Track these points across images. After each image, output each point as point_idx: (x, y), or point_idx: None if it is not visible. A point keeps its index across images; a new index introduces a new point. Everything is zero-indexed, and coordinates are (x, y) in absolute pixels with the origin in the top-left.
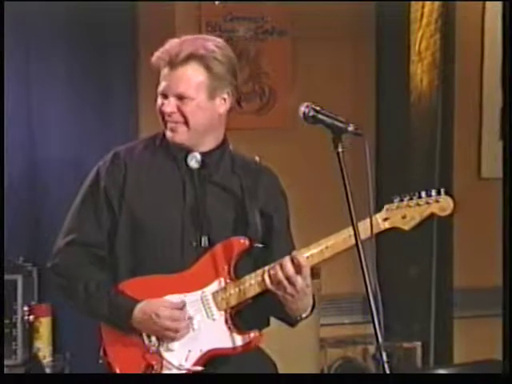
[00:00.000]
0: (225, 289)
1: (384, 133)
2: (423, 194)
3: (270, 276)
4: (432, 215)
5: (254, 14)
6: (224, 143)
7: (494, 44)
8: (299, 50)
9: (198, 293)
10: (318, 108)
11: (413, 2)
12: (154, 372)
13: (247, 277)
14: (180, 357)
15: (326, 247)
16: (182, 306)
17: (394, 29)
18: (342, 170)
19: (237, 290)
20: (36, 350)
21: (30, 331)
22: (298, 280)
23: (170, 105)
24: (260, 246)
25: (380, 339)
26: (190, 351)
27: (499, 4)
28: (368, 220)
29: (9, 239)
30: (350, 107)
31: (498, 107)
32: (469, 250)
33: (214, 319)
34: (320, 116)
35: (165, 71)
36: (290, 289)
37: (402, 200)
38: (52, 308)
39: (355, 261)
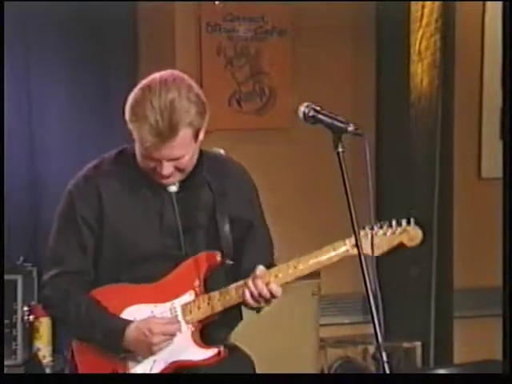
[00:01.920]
0: (194, 302)
1: (384, 133)
2: (394, 222)
3: (248, 293)
4: (401, 244)
5: (254, 13)
6: (198, 161)
7: (494, 44)
8: (299, 50)
9: (168, 304)
10: (318, 108)
11: (413, 2)
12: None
13: (216, 292)
14: (145, 366)
15: (295, 267)
16: (175, 322)
17: (393, 29)
18: (341, 170)
19: (205, 304)
20: (36, 350)
21: (30, 331)
22: (269, 297)
23: (167, 168)
24: (231, 262)
25: (380, 339)
26: (155, 361)
27: (499, 4)
28: (336, 244)
29: (9, 239)
30: (350, 107)
31: (498, 107)
32: (469, 250)
33: (180, 331)
34: (320, 116)
35: (152, 140)
36: (262, 303)
37: (372, 228)
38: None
39: (355, 261)
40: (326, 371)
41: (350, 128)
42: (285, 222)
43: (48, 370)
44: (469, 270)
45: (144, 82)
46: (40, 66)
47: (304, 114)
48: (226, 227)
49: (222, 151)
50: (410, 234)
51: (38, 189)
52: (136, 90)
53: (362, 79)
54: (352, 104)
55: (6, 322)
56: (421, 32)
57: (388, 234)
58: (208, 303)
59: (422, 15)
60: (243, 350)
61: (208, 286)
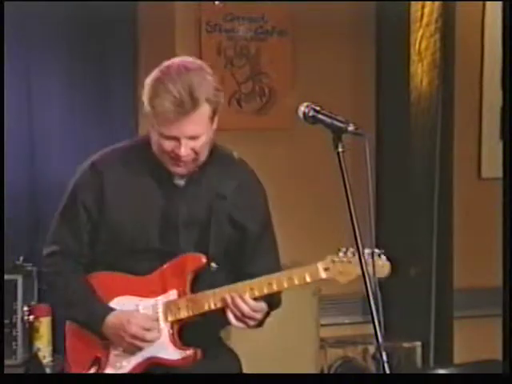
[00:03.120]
0: (175, 302)
1: (384, 133)
2: (367, 251)
3: (231, 316)
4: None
5: (254, 13)
6: (207, 159)
7: (493, 44)
8: (299, 50)
9: (152, 300)
10: (318, 108)
11: (413, 2)
12: (97, 367)
13: (199, 294)
14: (123, 358)
15: (269, 283)
16: (154, 319)
17: (393, 29)
18: (342, 170)
19: (186, 305)
20: (36, 350)
21: (30, 331)
22: (254, 315)
23: (186, 148)
24: (215, 266)
25: (380, 339)
26: (133, 354)
27: (499, 4)
28: (309, 267)
29: (9, 239)
30: (350, 107)
31: (498, 107)
32: (469, 250)
33: (159, 329)
34: (320, 116)
35: (174, 110)
36: (249, 322)
37: (346, 253)
38: (52, 308)
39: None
40: (326, 371)
41: (350, 128)
42: (285, 222)
43: (48, 370)
44: (469, 269)
45: (161, 65)
46: (40, 65)
47: (304, 113)
48: (219, 231)
49: (234, 153)
50: (379, 266)
51: (38, 189)
52: (154, 73)
53: (362, 79)
54: (352, 104)
55: (6, 321)
56: (421, 32)
57: (360, 262)
58: (187, 305)
59: (422, 15)
60: (231, 349)
61: (199, 287)
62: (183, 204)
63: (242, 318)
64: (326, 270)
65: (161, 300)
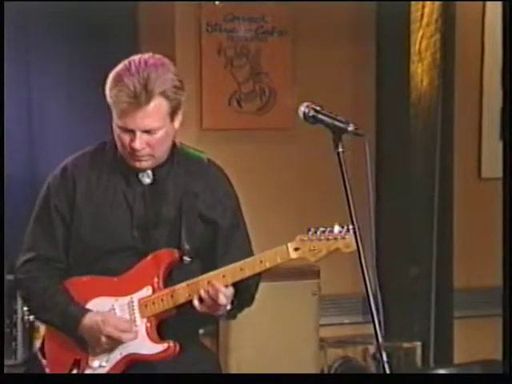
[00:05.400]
0: (150, 297)
1: (384, 133)
2: (336, 229)
3: (198, 299)
4: (337, 249)
5: (254, 13)
6: (173, 153)
7: (493, 44)
8: (299, 50)
9: (127, 298)
10: (318, 108)
11: (413, 2)
12: (77, 369)
13: (173, 288)
14: (102, 357)
15: (241, 269)
16: (129, 319)
17: (394, 29)
18: (342, 170)
19: (159, 300)
20: (36, 350)
21: (30, 331)
22: (219, 301)
23: (140, 141)
24: (188, 259)
25: (380, 339)
26: (111, 353)
27: (499, 4)
28: (279, 248)
29: (9, 239)
30: (350, 107)
31: (498, 107)
32: (469, 250)
33: (136, 325)
34: (320, 116)
35: (128, 101)
36: (214, 308)
37: (315, 232)
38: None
39: (355, 261)
40: (326, 371)
41: (350, 128)
42: (284, 221)
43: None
44: (469, 270)
45: (126, 60)
46: (40, 65)
47: (304, 113)
48: (191, 225)
49: (204, 154)
50: (347, 241)
51: (39, 189)
52: (118, 66)
53: (362, 79)
54: (352, 104)
55: (6, 322)
56: (421, 32)
57: (329, 238)
58: (162, 299)
59: (422, 15)
60: (207, 347)
61: (174, 282)
62: (152, 202)
63: (212, 305)
64: (296, 249)
65: (136, 297)
